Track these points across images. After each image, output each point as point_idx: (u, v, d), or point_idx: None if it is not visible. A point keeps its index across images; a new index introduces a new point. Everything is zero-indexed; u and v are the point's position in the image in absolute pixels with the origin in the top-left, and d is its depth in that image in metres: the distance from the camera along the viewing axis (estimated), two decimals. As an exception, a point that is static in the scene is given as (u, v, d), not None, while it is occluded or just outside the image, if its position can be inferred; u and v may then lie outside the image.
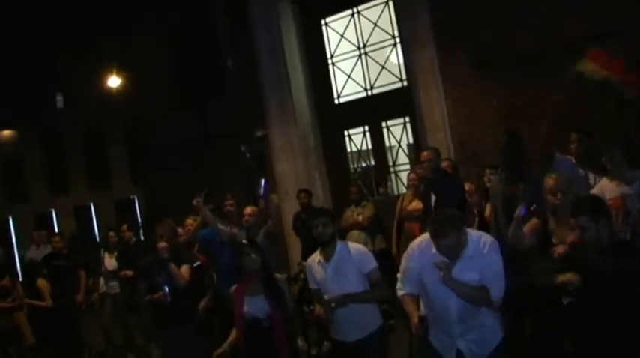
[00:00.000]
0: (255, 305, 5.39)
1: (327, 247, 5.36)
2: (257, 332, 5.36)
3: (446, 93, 10.73)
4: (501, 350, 4.58)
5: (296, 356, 6.10)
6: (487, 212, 7.56)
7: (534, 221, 5.95)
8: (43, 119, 29.60)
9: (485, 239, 4.58)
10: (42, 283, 9.95)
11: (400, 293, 4.75)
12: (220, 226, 7.80)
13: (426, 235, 4.60)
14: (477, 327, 4.52)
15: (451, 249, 4.37)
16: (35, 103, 29.56)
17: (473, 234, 4.56)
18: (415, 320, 4.57)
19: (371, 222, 9.81)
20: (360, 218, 9.82)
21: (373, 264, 5.34)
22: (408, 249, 4.79)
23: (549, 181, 5.73)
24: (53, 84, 29.85)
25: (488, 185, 7.81)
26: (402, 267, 4.79)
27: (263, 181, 8.44)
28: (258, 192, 8.41)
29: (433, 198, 7.36)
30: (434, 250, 4.44)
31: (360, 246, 5.69)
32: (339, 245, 5.39)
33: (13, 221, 29.94)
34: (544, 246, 5.49)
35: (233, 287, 5.57)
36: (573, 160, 7.29)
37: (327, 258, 5.34)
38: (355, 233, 9.60)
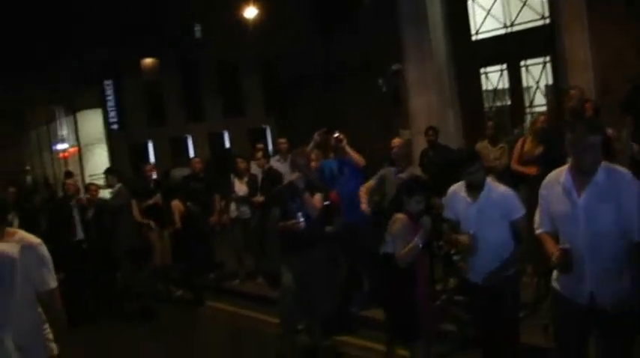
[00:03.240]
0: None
1: (478, 189, 5.21)
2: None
3: (592, 32, 10.23)
4: None
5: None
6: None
7: None
8: (181, 49, 30.58)
9: (623, 170, 4.20)
10: (176, 205, 10.42)
11: (537, 232, 4.43)
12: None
13: (556, 170, 4.37)
14: (614, 274, 4.08)
15: (595, 150, 4.05)
16: (175, 34, 30.55)
17: (603, 163, 4.14)
18: (557, 251, 4.08)
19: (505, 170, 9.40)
20: (497, 163, 9.43)
21: (520, 212, 5.05)
22: (542, 184, 4.46)
23: None
24: (191, 14, 30.68)
25: None
26: (538, 205, 4.49)
27: None
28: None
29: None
30: (562, 178, 4.21)
31: (508, 191, 5.21)
32: (487, 186, 5.13)
33: (153, 145, 31.46)
34: None
35: (399, 216, 5.51)
36: None
37: (474, 197, 5.19)
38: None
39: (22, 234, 3.87)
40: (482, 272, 5.06)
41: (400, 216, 5.48)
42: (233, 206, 10.77)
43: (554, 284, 4.39)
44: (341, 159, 8.46)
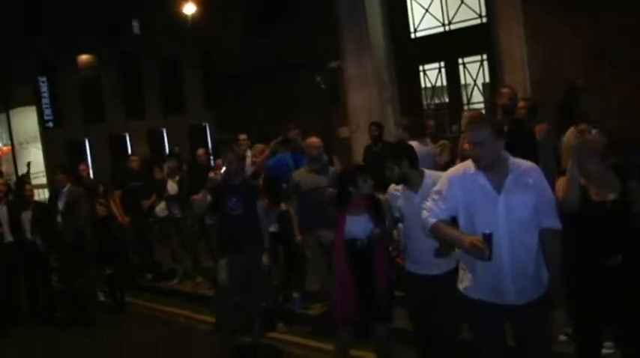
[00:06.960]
0: (357, 225, 5.37)
1: (407, 183, 5.18)
2: (356, 251, 5.35)
3: (527, 30, 10.36)
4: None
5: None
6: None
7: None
8: (120, 45, 30.08)
9: (527, 164, 4.08)
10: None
11: (431, 221, 4.10)
12: None
13: (465, 163, 4.20)
14: (527, 271, 3.96)
15: (482, 146, 3.92)
16: (112, 30, 30.04)
17: (515, 160, 4.05)
18: (469, 238, 3.81)
19: (446, 167, 9.30)
20: (437, 159, 9.36)
21: None
22: (446, 176, 4.23)
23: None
24: (129, 10, 30.23)
25: None
26: (434, 195, 4.18)
27: None
28: None
29: None
30: (472, 170, 4.03)
31: (440, 174, 4.91)
32: (426, 176, 5.09)
33: (89, 142, 30.84)
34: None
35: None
36: None
37: (414, 188, 5.12)
38: None
39: None
40: (424, 262, 5.03)
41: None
42: (163, 205, 10.56)
43: (467, 292, 4.16)
44: (297, 152, 8.34)
